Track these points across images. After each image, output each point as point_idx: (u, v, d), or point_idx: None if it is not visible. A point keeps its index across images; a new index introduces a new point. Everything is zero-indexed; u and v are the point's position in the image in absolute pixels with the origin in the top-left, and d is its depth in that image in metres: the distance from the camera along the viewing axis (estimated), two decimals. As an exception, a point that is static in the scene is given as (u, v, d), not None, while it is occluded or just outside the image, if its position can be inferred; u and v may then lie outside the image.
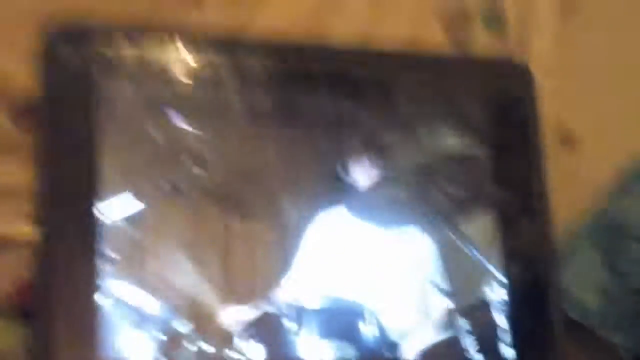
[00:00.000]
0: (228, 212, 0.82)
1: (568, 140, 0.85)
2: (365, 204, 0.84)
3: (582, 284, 0.81)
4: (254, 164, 0.83)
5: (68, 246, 0.70)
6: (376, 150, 0.83)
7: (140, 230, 0.77)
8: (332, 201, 0.84)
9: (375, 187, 0.84)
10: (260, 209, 0.83)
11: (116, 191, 0.75)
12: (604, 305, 0.80)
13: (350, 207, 0.83)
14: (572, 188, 0.84)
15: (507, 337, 0.78)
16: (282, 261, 0.81)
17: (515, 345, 0.77)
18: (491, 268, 0.81)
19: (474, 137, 0.84)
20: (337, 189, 0.84)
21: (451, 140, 0.84)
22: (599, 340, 0.80)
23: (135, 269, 0.76)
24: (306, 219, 0.83)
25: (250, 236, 0.82)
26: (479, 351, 0.78)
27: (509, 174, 0.81)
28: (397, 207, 0.84)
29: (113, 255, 0.73)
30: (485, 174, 0.82)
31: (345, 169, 0.83)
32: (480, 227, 0.83)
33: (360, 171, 0.83)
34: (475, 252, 0.82)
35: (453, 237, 0.82)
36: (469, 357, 0.78)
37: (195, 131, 0.78)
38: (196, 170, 0.80)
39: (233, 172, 0.82)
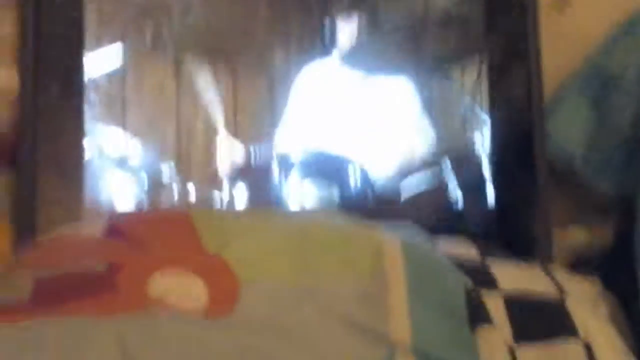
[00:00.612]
0: (216, 65, 0.82)
1: (559, 1, 0.83)
2: (355, 54, 0.84)
3: (568, 131, 0.80)
4: (243, 17, 0.82)
5: (54, 94, 0.71)
6: (365, 7, 0.82)
7: (123, 82, 0.78)
8: (320, 53, 0.84)
9: (366, 39, 0.83)
10: (249, 62, 0.83)
11: (102, 42, 0.76)
12: (588, 152, 0.80)
13: (340, 57, 0.83)
14: (563, 47, 0.82)
15: (492, 184, 0.78)
16: (270, 112, 0.82)
17: (499, 191, 0.77)
18: (479, 115, 0.81)
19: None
20: (325, 41, 0.83)
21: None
22: (582, 186, 0.81)
23: (119, 115, 0.77)
24: (295, 71, 0.83)
25: (239, 88, 0.83)
26: (463, 197, 0.79)
27: (501, 28, 0.80)
28: (387, 57, 0.84)
29: (98, 102, 0.74)
30: (478, 28, 0.81)
31: (333, 25, 0.82)
32: (471, 75, 0.82)
33: (347, 28, 0.83)
34: (463, 99, 0.82)
35: (443, 84, 0.82)
36: (453, 203, 0.79)
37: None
38: (185, 22, 0.80)
39: (222, 25, 0.82)
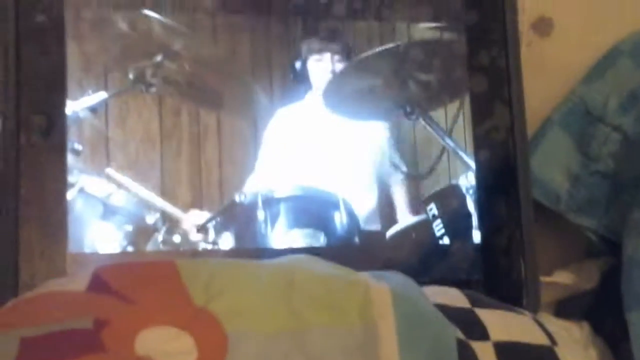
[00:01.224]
0: (198, 103, 0.82)
1: (543, 27, 0.83)
2: (331, 95, 0.84)
3: (552, 167, 0.81)
4: (225, 54, 0.82)
5: (35, 139, 0.70)
6: (337, 44, 0.82)
7: (105, 121, 0.77)
8: (300, 96, 0.84)
9: (342, 76, 0.83)
10: (232, 100, 0.83)
11: (82, 81, 0.75)
12: (573, 188, 0.80)
13: (320, 97, 0.83)
14: (546, 75, 0.83)
15: (476, 222, 0.78)
16: (254, 152, 0.82)
17: (483, 229, 0.77)
18: (461, 153, 0.81)
19: (448, 22, 0.83)
20: (304, 84, 0.83)
21: (424, 25, 0.83)
22: (567, 223, 0.81)
23: (102, 161, 0.76)
24: (278, 113, 0.83)
25: (221, 127, 0.82)
26: (448, 234, 0.79)
27: (482, 59, 0.80)
28: (365, 96, 0.84)
29: (79, 147, 0.73)
30: (459, 59, 0.81)
31: (304, 66, 0.82)
32: (452, 113, 0.83)
33: (319, 68, 0.83)
34: (445, 139, 0.82)
35: (423, 123, 0.82)
36: (438, 240, 0.79)
37: (166, 21, 0.78)
38: (166, 62, 0.79)
39: (204, 63, 0.82)
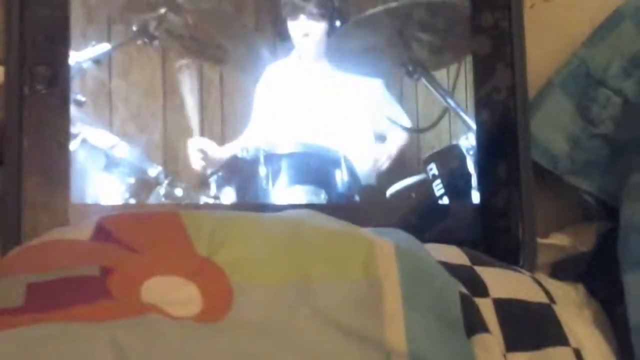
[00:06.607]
0: (201, 57, 0.82)
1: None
2: (333, 51, 0.83)
3: (551, 130, 0.81)
4: (229, 9, 0.82)
5: (38, 89, 0.70)
6: (315, 6, 0.81)
7: (109, 73, 0.77)
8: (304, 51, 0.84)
9: (344, 33, 0.83)
10: (235, 55, 0.83)
11: (85, 32, 0.75)
12: (572, 151, 0.80)
13: (323, 56, 0.83)
14: (548, 38, 0.83)
15: (475, 182, 0.79)
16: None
17: (482, 189, 0.78)
18: (462, 113, 0.81)
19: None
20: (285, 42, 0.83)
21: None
22: (565, 186, 0.81)
23: (105, 112, 0.76)
24: (280, 70, 0.82)
25: (223, 82, 0.82)
26: (447, 194, 0.80)
27: (485, 20, 0.80)
28: (368, 53, 0.83)
29: (82, 99, 0.73)
30: (462, 20, 0.81)
31: (284, 26, 0.82)
32: (454, 73, 0.83)
33: (295, 28, 0.82)
34: (447, 98, 0.82)
35: (425, 82, 0.82)
36: (437, 200, 0.80)
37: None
38: (170, 15, 0.79)
39: (207, 16, 0.81)
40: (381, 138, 0.84)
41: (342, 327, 0.53)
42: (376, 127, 0.84)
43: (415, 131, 0.83)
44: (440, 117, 0.83)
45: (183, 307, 0.53)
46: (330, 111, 0.82)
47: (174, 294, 0.54)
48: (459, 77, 0.82)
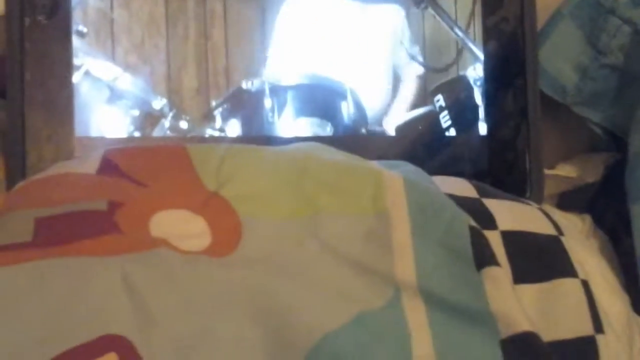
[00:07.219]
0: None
1: None
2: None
3: (560, 60, 0.80)
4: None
5: (39, 19, 0.69)
6: None
7: (110, 2, 0.75)
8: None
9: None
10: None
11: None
12: (580, 81, 0.79)
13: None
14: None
15: (482, 114, 0.78)
16: (261, 39, 0.80)
17: (490, 120, 0.77)
18: (470, 44, 0.80)
19: None
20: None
21: None
22: (572, 117, 0.81)
23: (107, 43, 0.75)
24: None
25: (227, 13, 0.80)
26: (454, 126, 0.79)
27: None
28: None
29: (84, 29, 0.72)
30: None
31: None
32: (461, 4, 0.81)
33: None
34: (454, 28, 0.80)
35: (432, 12, 0.81)
36: (444, 131, 0.79)
37: None
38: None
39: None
40: (391, 72, 0.83)
41: (352, 261, 0.53)
42: (395, 61, 0.83)
43: (434, 70, 0.82)
44: (458, 54, 0.81)
45: (192, 241, 0.53)
46: (346, 43, 0.80)
47: (182, 227, 0.54)
48: (467, 7, 0.80)
